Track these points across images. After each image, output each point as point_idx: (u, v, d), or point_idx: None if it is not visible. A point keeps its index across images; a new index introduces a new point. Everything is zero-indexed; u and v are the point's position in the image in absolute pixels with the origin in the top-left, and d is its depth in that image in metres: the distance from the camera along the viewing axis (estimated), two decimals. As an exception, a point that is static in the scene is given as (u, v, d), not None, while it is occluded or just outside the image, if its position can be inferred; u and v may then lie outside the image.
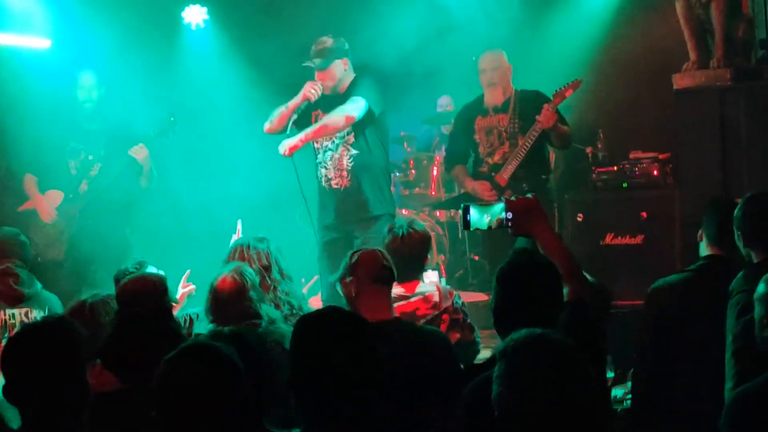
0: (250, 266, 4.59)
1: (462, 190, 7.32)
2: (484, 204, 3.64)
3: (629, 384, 5.62)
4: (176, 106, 7.51)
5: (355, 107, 6.21)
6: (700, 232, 4.51)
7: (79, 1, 7.69)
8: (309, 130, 6.21)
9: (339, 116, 6.19)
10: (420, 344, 3.91)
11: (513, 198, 3.57)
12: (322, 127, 6.21)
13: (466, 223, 3.62)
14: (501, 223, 3.55)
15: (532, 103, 6.72)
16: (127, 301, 3.98)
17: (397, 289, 4.55)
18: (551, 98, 6.64)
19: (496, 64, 6.90)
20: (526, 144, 6.64)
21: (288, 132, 6.28)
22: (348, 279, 4.13)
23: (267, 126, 6.48)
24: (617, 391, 5.25)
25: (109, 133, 7.13)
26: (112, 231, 7.07)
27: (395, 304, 4.51)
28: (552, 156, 7.36)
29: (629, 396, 5.41)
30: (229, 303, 4.31)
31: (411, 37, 8.24)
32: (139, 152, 6.95)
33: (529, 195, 3.61)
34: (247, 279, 4.38)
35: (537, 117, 6.55)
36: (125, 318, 3.88)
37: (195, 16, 8.74)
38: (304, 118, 6.37)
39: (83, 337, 3.11)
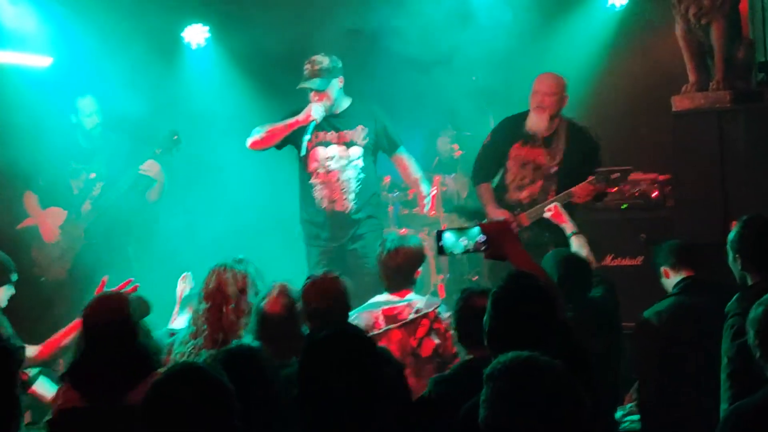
0: (227, 288, 4.51)
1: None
2: (459, 228, 3.73)
3: (627, 406, 5.64)
4: (177, 124, 7.51)
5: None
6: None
7: (80, 19, 7.69)
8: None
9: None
10: None
11: (485, 221, 3.63)
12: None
13: (440, 249, 3.71)
14: (477, 247, 3.64)
15: (581, 147, 6.40)
16: (92, 320, 3.96)
17: (387, 297, 4.92)
18: (596, 167, 6.22)
19: (554, 90, 6.41)
20: (556, 203, 6.13)
21: (302, 152, 6.31)
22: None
23: (254, 140, 6.42)
24: (616, 414, 5.25)
25: (110, 152, 7.13)
26: (116, 250, 7.07)
27: (382, 308, 4.84)
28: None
29: (626, 419, 5.43)
30: (279, 324, 4.29)
31: (410, 58, 8.27)
32: (152, 168, 6.95)
33: (501, 218, 3.69)
34: (296, 297, 4.37)
35: (573, 189, 6.16)
36: (89, 336, 3.88)
37: (196, 35, 8.76)
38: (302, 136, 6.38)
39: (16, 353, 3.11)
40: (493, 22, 8.15)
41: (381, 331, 4.79)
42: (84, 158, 7.12)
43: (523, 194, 6.49)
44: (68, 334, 4.92)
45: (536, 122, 6.43)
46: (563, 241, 5.63)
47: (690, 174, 6.52)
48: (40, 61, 7.72)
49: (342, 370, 2.72)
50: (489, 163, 6.72)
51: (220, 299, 4.47)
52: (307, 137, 6.31)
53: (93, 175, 7.09)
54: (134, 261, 7.18)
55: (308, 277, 4.36)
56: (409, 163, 6.67)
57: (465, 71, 8.45)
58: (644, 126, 7.99)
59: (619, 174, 6.22)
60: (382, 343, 4.63)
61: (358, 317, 4.91)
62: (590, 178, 6.15)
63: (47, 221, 7.07)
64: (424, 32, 8.34)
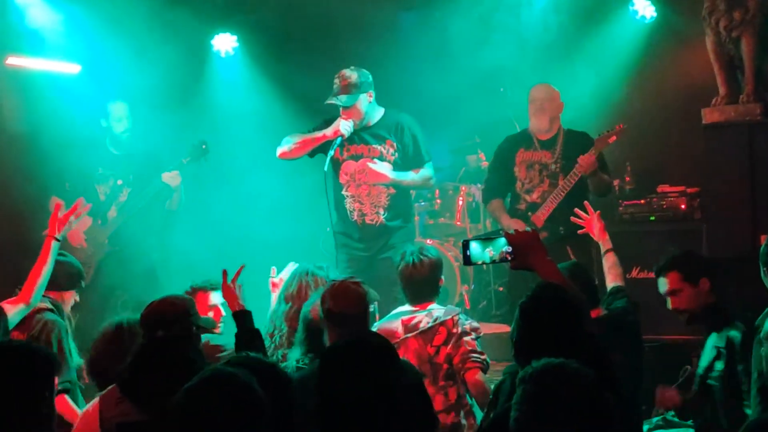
0: (307, 292, 4.73)
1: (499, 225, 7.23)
2: (485, 238, 3.76)
3: (654, 420, 5.59)
4: (206, 132, 7.54)
5: (431, 174, 6.60)
6: None
7: (110, 27, 7.76)
8: (398, 177, 6.40)
9: (425, 180, 6.59)
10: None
11: (512, 232, 3.63)
12: (410, 182, 6.52)
13: (466, 258, 3.74)
14: (504, 257, 3.67)
15: (579, 144, 6.53)
16: (152, 324, 3.96)
17: (409, 308, 4.96)
18: (593, 140, 6.42)
19: (549, 95, 6.71)
20: (566, 187, 6.44)
21: (326, 167, 6.31)
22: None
23: (283, 150, 6.45)
24: (644, 427, 5.22)
25: (139, 158, 7.16)
26: (140, 257, 7.07)
27: (401, 318, 4.87)
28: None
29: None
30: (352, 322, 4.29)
31: (438, 69, 8.27)
32: (174, 179, 6.98)
33: (528, 229, 3.68)
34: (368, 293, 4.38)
35: (578, 159, 6.36)
36: (148, 343, 3.81)
37: (225, 43, 8.82)
38: (329, 150, 6.39)
39: (49, 363, 3.08)
40: (524, 34, 8.16)
41: (399, 340, 4.78)
42: (112, 164, 7.14)
43: (535, 195, 6.64)
44: (41, 265, 4.86)
45: (537, 124, 6.68)
46: (578, 228, 5.54)
47: (719, 186, 6.49)
48: (70, 69, 7.79)
49: (360, 379, 2.73)
50: (497, 181, 6.90)
51: (300, 302, 4.66)
52: (331, 153, 6.32)
53: (120, 182, 7.12)
54: (158, 268, 7.19)
55: (332, 281, 4.35)
56: (419, 170, 6.54)
57: (494, 82, 8.44)
58: (673, 138, 7.94)
59: (612, 130, 6.36)
60: (399, 353, 4.61)
61: (379, 329, 4.90)
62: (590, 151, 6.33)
63: (74, 227, 7.08)
64: (452, 43, 8.38)
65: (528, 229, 6.36)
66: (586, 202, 5.32)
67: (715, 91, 6.61)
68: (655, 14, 8.32)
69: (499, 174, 6.88)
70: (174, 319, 3.97)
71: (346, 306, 4.12)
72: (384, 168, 6.36)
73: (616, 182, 7.56)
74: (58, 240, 4.96)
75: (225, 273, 4.49)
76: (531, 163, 6.66)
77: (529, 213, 6.62)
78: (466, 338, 4.77)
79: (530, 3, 8.19)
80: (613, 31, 8.43)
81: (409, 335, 4.80)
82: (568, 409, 2.54)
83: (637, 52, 8.35)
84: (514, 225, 6.48)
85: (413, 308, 4.94)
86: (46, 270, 4.86)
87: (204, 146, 7.03)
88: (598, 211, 5.29)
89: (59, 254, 5.18)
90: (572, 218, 5.33)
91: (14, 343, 3.34)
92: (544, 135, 6.67)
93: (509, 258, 3.66)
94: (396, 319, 4.95)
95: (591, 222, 5.18)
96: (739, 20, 6.38)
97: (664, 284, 4.77)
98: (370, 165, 6.34)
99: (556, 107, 6.70)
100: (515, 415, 2.60)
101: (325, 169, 6.32)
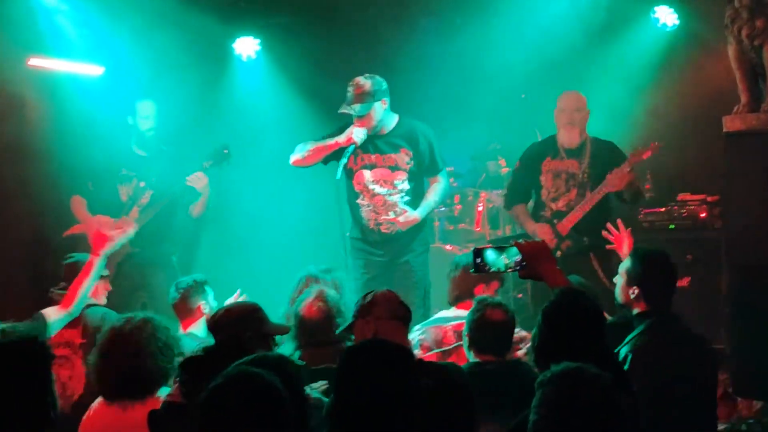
0: None
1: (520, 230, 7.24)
2: (499, 246, 3.79)
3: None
4: (227, 135, 7.57)
5: (446, 185, 6.73)
6: None
7: (132, 30, 7.81)
8: (425, 212, 6.51)
9: (444, 193, 6.75)
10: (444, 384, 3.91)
11: (522, 241, 3.68)
12: (436, 204, 6.72)
13: (477, 266, 3.78)
14: (515, 266, 3.73)
15: (606, 156, 6.54)
16: (221, 327, 4.01)
17: (455, 312, 5.03)
18: (627, 157, 6.42)
19: (579, 105, 6.68)
20: (593, 199, 6.46)
21: (338, 176, 6.32)
22: (364, 319, 4.19)
23: (296, 158, 6.49)
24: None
25: (161, 161, 7.19)
26: (160, 259, 7.11)
27: (452, 324, 4.89)
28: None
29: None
30: (317, 330, 4.36)
31: (458, 74, 8.28)
32: (199, 181, 6.95)
33: (538, 239, 3.74)
34: (332, 303, 4.43)
35: (608, 176, 6.39)
36: (217, 345, 3.76)
37: (247, 47, 8.84)
38: (341, 157, 6.40)
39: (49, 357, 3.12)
40: (545, 41, 8.16)
41: (451, 347, 4.79)
42: (135, 166, 7.16)
43: (560, 203, 6.64)
44: (84, 277, 5.06)
45: (568, 138, 6.64)
46: (603, 244, 5.59)
47: (740, 195, 6.45)
48: (93, 70, 7.83)
49: (377, 380, 2.75)
50: (521, 186, 6.92)
51: None
52: (344, 161, 6.32)
53: (143, 184, 7.13)
54: (179, 271, 7.16)
55: (369, 292, 4.35)
56: (435, 186, 6.62)
57: (514, 88, 8.46)
58: (694, 146, 7.93)
59: (646, 146, 6.38)
60: (451, 359, 4.65)
61: (425, 331, 4.93)
62: (620, 167, 6.33)
63: (95, 227, 7.11)
64: (472, 49, 8.39)
65: (553, 234, 6.42)
66: (619, 220, 5.45)
67: (737, 99, 6.58)
68: (677, 22, 8.32)
69: (523, 180, 6.89)
70: (246, 324, 3.99)
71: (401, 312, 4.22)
72: (412, 215, 6.38)
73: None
74: (100, 257, 5.19)
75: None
76: (558, 173, 6.66)
77: (555, 221, 6.62)
78: (518, 353, 4.79)
79: (552, 10, 8.19)
80: (635, 39, 8.43)
81: (461, 344, 4.71)
82: (587, 413, 2.57)
83: (658, 60, 8.35)
84: (539, 230, 6.55)
85: (458, 311, 4.97)
86: (87, 283, 5.09)
87: (226, 151, 7.01)
88: (629, 228, 5.36)
89: (68, 256, 5.27)
90: (603, 232, 5.46)
91: (11, 337, 3.38)
92: (571, 144, 6.66)
93: (518, 267, 3.73)
94: (444, 324, 4.97)
95: (621, 239, 5.25)
96: (761, 28, 6.35)
97: None
98: (401, 220, 6.35)
99: (584, 117, 6.69)
100: (534, 419, 2.63)
101: (338, 177, 6.32)
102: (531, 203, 6.94)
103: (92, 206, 7.14)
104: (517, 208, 6.90)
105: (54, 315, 4.98)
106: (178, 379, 3.57)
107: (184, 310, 5.30)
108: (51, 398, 3.08)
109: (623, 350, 4.17)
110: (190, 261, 7.62)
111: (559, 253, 6.46)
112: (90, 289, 5.11)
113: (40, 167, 7.47)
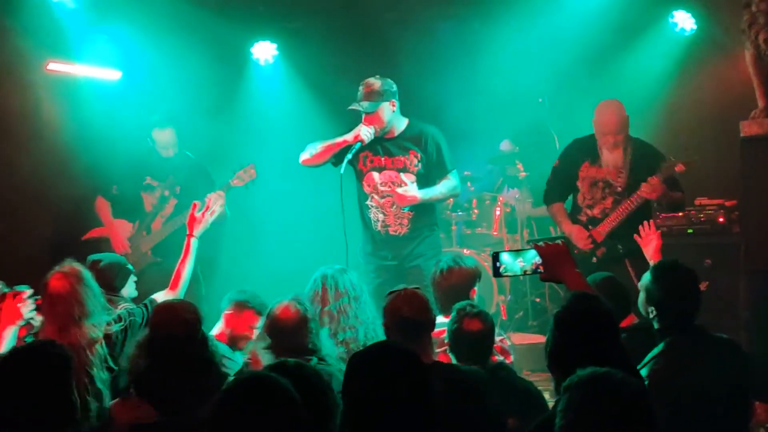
0: (327, 295, 4.92)
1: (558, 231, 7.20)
2: (516, 250, 3.82)
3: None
4: (244, 140, 7.58)
5: (457, 182, 6.60)
6: None
7: (150, 35, 7.85)
8: (427, 196, 6.38)
9: (451, 191, 6.58)
10: (460, 387, 3.92)
11: (542, 244, 3.66)
12: (438, 197, 6.54)
13: (496, 270, 3.79)
14: (534, 269, 3.72)
15: (646, 162, 6.51)
16: (161, 324, 4.01)
17: (440, 319, 4.81)
18: (664, 160, 6.40)
19: (621, 119, 6.62)
20: (629, 208, 6.46)
21: (342, 171, 6.32)
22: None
23: (305, 157, 6.49)
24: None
25: (187, 172, 7.18)
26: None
27: (437, 329, 4.67)
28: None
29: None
30: (289, 334, 4.37)
31: (476, 78, 8.28)
32: (217, 200, 6.93)
33: (558, 242, 3.71)
34: (308, 310, 4.45)
35: (642, 184, 6.39)
36: (158, 342, 3.88)
37: (264, 52, 8.88)
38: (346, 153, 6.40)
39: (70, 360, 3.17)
40: (563, 45, 8.16)
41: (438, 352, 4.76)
42: (160, 173, 7.18)
43: (596, 210, 6.64)
44: (184, 259, 5.31)
45: (612, 159, 6.60)
46: (637, 251, 5.60)
47: (757, 200, 6.44)
48: (111, 75, 7.88)
49: (388, 384, 2.75)
50: (560, 184, 6.87)
51: (322, 304, 4.95)
52: (348, 156, 6.33)
53: (167, 193, 7.15)
54: (202, 281, 7.13)
55: (390, 292, 4.34)
56: (445, 180, 6.52)
57: (532, 93, 8.46)
58: (711, 151, 7.90)
59: (682, 161, 6.36)
60: None
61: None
62: (654, 177, 6.33)
63: (119, 232, 7.15)
64: (490, 53, 8.40)
65: (589, 238, 6.44)
66: (652, 221, 5.49)
67: (754, 104, 6.56)
68: (695, 27, 8.30)
69: (562, 180, 6.86)
70: (180, 323, 3.99)
71: (420, 313, 4.20)
72: (412, 190, 6.34)
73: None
74: (196, 237, 5.40)
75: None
76: (595, 181, 6.64)
77: (590, 226, 6.63)
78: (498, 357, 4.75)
79: (568, 15, 8.19)
80: (652, 44, 8.42)
81: (438, 351, 4.70)
82: (614, 418, 2.54)
83: (676, 64, 8.33)
84: (575, 232, 6.62)
85: (443, 319, 4.85)
86: (188, 264, 5.33)
87: (253, 171, 6.88)
88: (659, 231, 5.38)
89: (95, 259, 5.30)
90: (635, 236, 5.50)
91: (34, 344, 3.48)
92: (615, 164, 6.61)
93: (538, 270, 3.72)
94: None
95: (648, 239, 5.32)
96: (779, 33, 6.35)
97: None
98: (399, 191, 6.32)
99: (625, 129, 6.62)
100: (560, 423, 2.61)
101: (342, 172, 6.32)
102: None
103: (116, 210, 7.17)
104: (555, 206, 6.90)
105: (163, 298, 5.08)
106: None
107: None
108: (74, 398, 3.13)
109: (642, 372, 4.13)
110: (212, 272, 7.59)
111: (594, 259, 6.50)
112: (191, 269, 5.31)
113: (65, 169, 7.53)
